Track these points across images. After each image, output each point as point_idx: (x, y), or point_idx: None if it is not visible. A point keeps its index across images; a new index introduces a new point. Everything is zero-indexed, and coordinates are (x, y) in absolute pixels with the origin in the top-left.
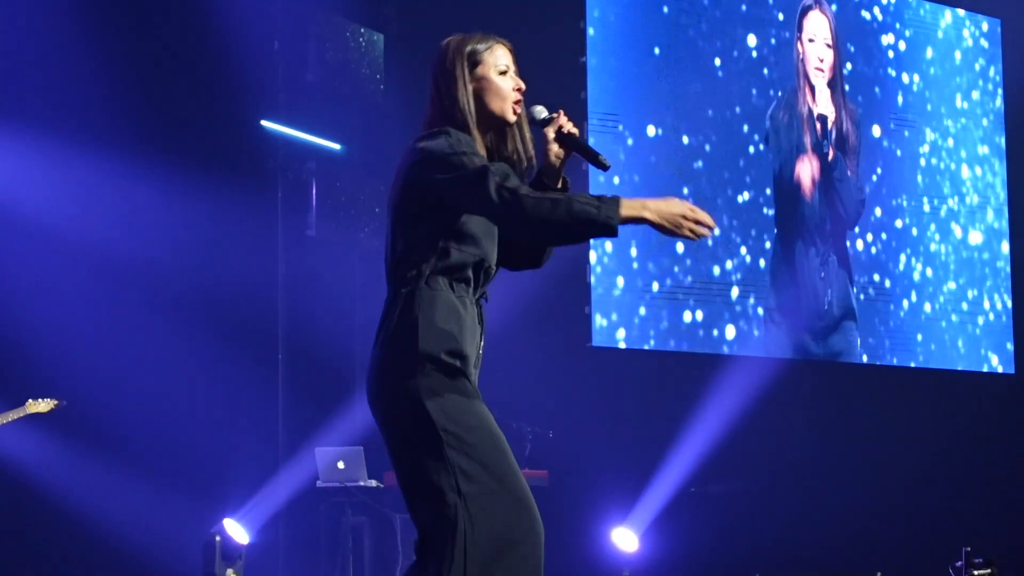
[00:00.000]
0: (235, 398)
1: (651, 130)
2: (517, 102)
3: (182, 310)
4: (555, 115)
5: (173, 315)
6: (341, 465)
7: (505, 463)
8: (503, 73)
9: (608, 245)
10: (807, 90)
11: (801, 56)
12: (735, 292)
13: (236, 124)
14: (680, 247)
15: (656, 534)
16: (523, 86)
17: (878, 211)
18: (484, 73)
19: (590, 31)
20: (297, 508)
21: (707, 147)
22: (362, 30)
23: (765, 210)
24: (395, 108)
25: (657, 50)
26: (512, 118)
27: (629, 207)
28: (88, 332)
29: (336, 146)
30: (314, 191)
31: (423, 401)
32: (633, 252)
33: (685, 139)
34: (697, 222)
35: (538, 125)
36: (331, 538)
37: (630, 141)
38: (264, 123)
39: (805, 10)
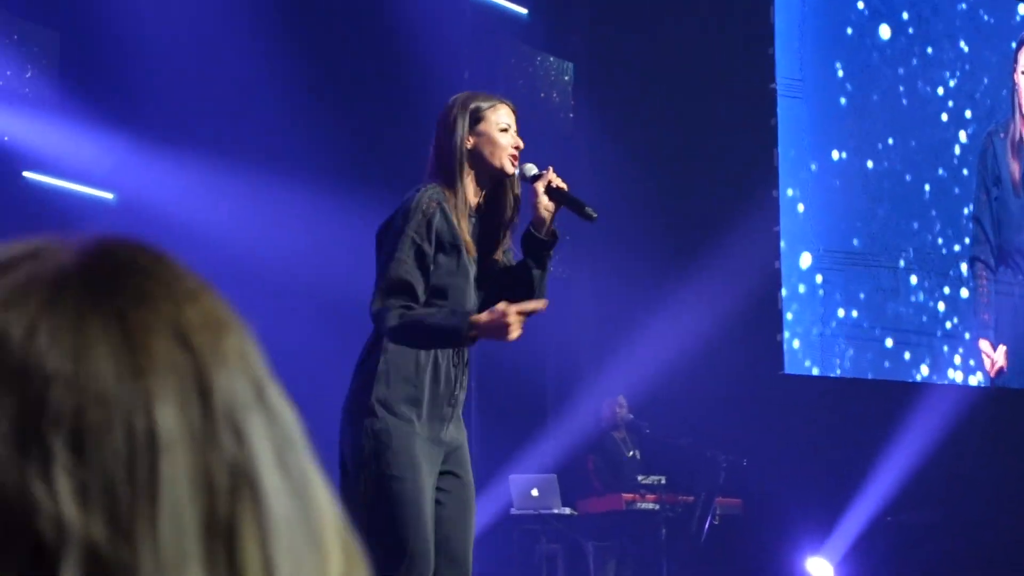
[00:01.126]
0: None
1: (835, 155)
2: (514, 157)
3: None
4: (544, 171)
5: (357, 341)
6: (535, 492)
7: (415, 520)
8: (504, 131)
9: (802, 269)
10: (1021, 118)
11: (1016, 87)
12: (932, 322)
13: (426, 154)
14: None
15: (851, 564)
16: (521, 145)
17: None
18: (486, 129)
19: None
20: (491, 535)
21: (906, 176)
22: (551, 59)
23: (964, 239)
24: (584, 135)
25: (839, 66)
26: (511, 169)
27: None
28: (284, 352)
29: None
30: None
31: (364, 439)
32: (819, 279)
33: (870, 164)
34: (519, 312)
35: (528, 181)
36: (524, 565)
37: (813, 167)
38: None
39: (1022, 43)
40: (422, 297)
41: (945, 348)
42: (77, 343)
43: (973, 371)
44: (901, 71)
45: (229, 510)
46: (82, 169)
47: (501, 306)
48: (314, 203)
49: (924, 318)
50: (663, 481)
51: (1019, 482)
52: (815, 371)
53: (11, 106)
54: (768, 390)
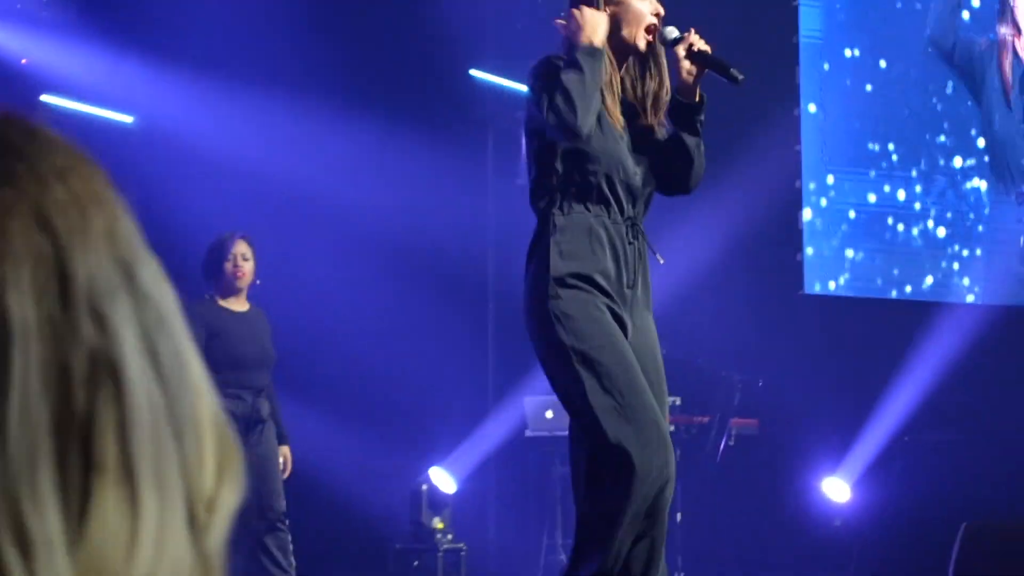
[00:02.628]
0: (445, 348)
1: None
2: (651, 28)
3: (392, 260)
4: (686, 34)
5: (383, 265)
6: (550, 414)
7: (632, 382)
8: None
9: (823, 200)
10: (1011, 24)
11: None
12: (941, 232)
13: (445, 74)
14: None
15: (868, 484)
16: (662, 11)
17: None
18: None
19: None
20: (506, 457)
21: (911, 72)
22: None
23: (965, 149)
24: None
25: None
26: (642, 46)
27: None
28: (298, 282)
29: None
30: (524, 138)
31: (553, 323)
32: (839, 201)
33: (883, 63)
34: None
35: (669, 46)
36: (539, 488)
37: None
38: (473, 72)
39: None
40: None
41: (956, 265)
42: None
43: (986, 289)
44: None
45: (86, 402)
46: (101, 92)
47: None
48: (330, 127)
49: (940, 235)
50: (678, 402)
51: None
52: (834, 291)
53: (29, 29)
54: (786, 310)
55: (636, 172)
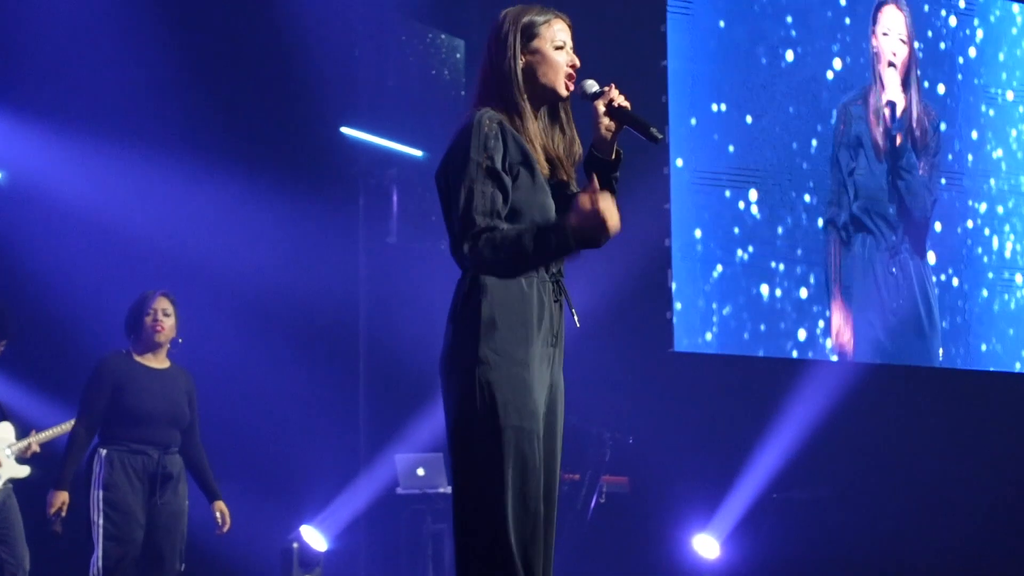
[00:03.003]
0: (316, 404)
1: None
2: (570, 77)
3: (263, 316)
4: (606, 88)
5: (254, 321)
6: (421, 472)
7: (538, 481)
8: (559, 48)
9: (690, 256)
10: (879, 83)
11: (875, 50)
12: (804, 293)
13: (317, 131)
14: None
15: (738, 541)
16: (577, 63)
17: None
18: (540, 46)
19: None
20: (377, 515)
21: (776, 129)
22: (443, 36)
23: (830, 205)
24: None
25: (722, 23)
26: (564, 92)
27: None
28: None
29: (417, 152)
30: (395, 198)
31: (476, 391)
32: (710, 259)
33: (748, 119)
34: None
35: (589, 99)
36: (411, 545)
37: (693, 121)
38: (344, 130)
39: (880, 5)
40: (502, 217)
41: (821, 324)
42: None
43: (853, 346)
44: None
45: None
46: None
47: (582, 198)
48: (199, 183)
49: (804, 294)
50: None
51: (901, 456)
52: (704, 350)
53: None
54: (656, 368)
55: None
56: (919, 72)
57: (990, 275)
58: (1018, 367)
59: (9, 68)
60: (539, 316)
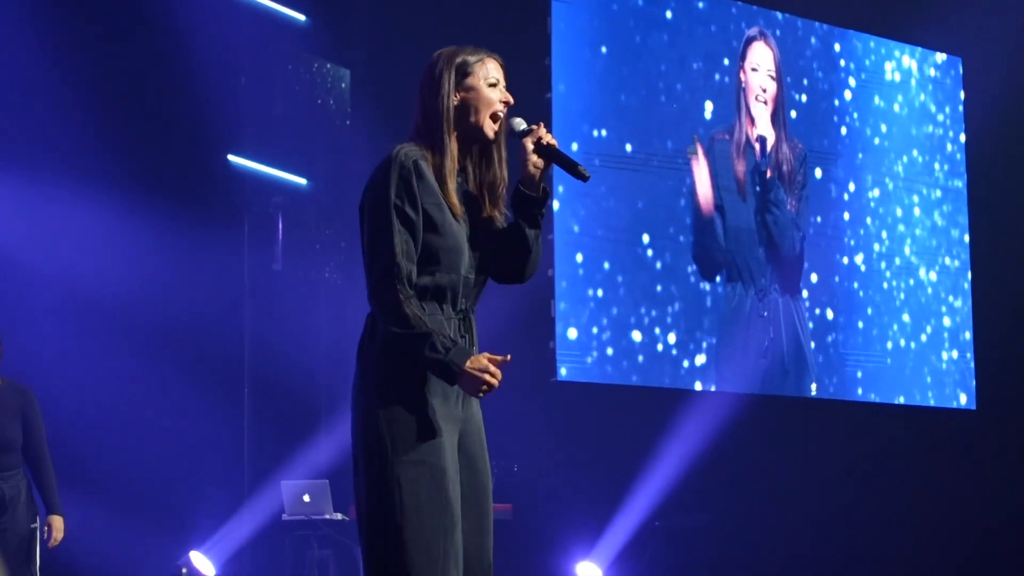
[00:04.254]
0: (200, 431)
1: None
2: (501, 115)
3: (147, 342)
4: (534, 127)
5: (138, 347)
6: (307, 498)
7: (443, 510)
8: (492, 86)
9: (567, 281)
10: (747, 118)
11: (743, 85)
12: (672, 338)
13: (203, 158)
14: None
15: (621, 568)
16: (511, 100)
17: (837, 247)
18: (473, 84)
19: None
20: (263, 541)
21: (653, 162)
22: (328, 66)
23: (694, 240)
24: (361, 143)
25: (604, 48)
26: (490, 133)
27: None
28: (51, 362)
29: (302, 181)
30: (280, 225)
31: (379, 428)
32: (592, 291)
33: (628, 147)
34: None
35: (517, 136)
36: (296, 571)
37: (574, 146)
38: (231, 157)
39: (749, 40)
40: (414, 261)
41: (700, 358)
42: None
43: (731, 379)
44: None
45: None
46: None
47: (483, 360)
48: (85, 209)
49: (688, 327)
50: None
51: (785, 485)
52: (585, 379)
53: None
54: (539, 396)
55: (472, 264)
56: (785, 107)
57: (868, 310)
58: (901, 400)
59: None
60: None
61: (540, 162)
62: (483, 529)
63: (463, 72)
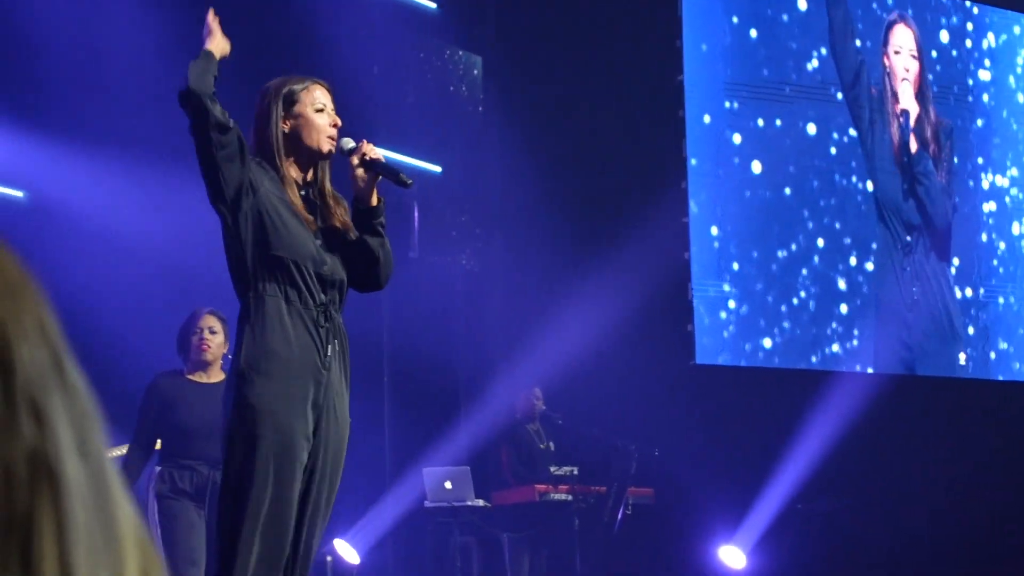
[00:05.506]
0: None
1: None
2: (331, 136)
3: None
4: (359, 144)
5: None
6: (448, 485)
7: (282, 493)
8: (320, 111)
9: (701, 265)
10: (891, 96)
11: (888, 68)
12: (840, 305)
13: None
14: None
15: (763, 552)
16: (339, 123)
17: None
18: (301, 111)
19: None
20: (405, 528)
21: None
22: (460, 53)
23: (848, 217)
24: (493, 130)
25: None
26: (326, 149)
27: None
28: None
29: (436, 168)
30: (416, 214)
31: (242, 407)
32: (735, 266)
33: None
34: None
35: (345, 155)
36: (439, 558)
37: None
38: None
39: (891, 24)
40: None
41: (856, 334)
42: None
43: (876, 358)
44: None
45: (27, 504)
46: None
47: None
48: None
49: (829, 306)
50: (575, 472)
51: (924, 468)
52: (726, 362)
53: None
54: (679, 380)
55: (326, 263)
56: (932, 84)
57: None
58: None
59: (25, 88)
60: (306, 340)
61: (367, 175)
62: (331, 490)
63: (290, 100)
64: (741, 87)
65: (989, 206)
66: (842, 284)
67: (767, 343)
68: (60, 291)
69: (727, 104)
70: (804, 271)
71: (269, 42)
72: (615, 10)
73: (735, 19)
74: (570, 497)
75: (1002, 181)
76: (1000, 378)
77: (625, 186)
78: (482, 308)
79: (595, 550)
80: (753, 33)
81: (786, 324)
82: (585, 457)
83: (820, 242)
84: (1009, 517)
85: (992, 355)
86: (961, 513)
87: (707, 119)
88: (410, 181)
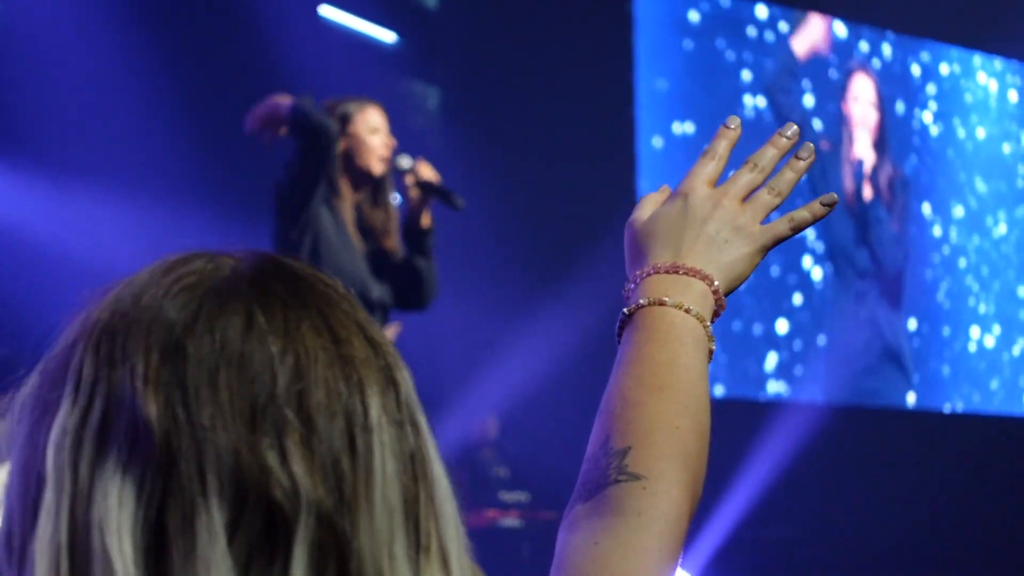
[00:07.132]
0: None
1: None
2: (384, 158)
3: None
4: (416, 163)
5: None
6: None
7: None
8: (374, 132)
9: None
10: (850, 144)
11: (846, 116)
12: (781, 327)
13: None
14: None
15: None
16: (393, 143)
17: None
18: (354, 131)
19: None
20: None
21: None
22: (418, 84)
23: (797, 254)
24: (450, 161)
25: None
26: (377, 171)
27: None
28: None
29: (395, 197)
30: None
31: None
32: None
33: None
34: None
35: (401, 173)
36: None
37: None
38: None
39: (850, 72)
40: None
41: (799, 367)
42: (290, 332)
43: (820, 387)
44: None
45: (415, 493)
46: None
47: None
48: (188, 230)
49: (773, 333)
50: (524, 499)
51: (874, 496)
52: None
53: None
54: None
55: (371, 285)
56: (887, 132)
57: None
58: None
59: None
60: None
61: (419, 196)
62: None
63: (344, 120)
64: (694, 116)
65: (937, 249)
66: (783, 325)
67: (716, 372)
68: (24, 318)
69: (677, 131)
70: (750, 303)
71: (227, 73)
72: (569, 42)
73: (688, 57)
74: (521, 523)
75: (945, 224)
76: (947, 410)
77: (580, 214)
78: (435, 333)
79: None
80: (705, 72)
81: (732, 355)
82: (539, 483)
83: (774, 270)
84: (954, 545)
85: (938, 388)
86: (907, 543)
87: (658, 143)
88: (462, 204)
